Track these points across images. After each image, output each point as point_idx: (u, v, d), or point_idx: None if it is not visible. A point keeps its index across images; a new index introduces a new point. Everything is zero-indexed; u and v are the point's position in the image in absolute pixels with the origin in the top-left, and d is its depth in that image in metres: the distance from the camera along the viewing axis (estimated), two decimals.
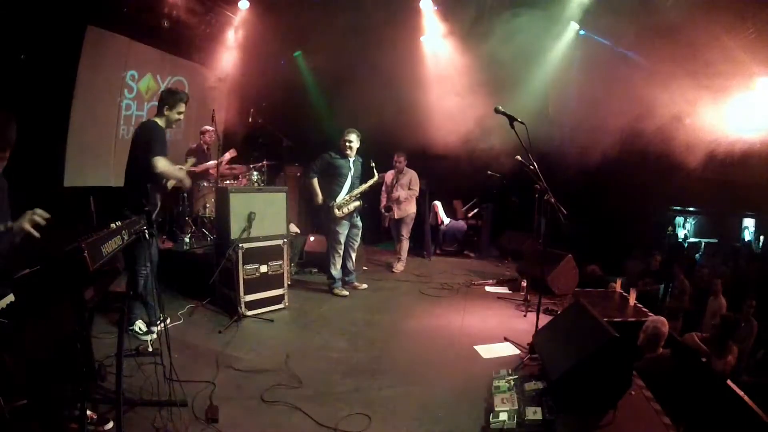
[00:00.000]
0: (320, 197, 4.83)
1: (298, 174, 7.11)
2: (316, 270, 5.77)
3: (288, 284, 4.41)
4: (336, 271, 4.93)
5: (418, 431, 2.46)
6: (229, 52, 7.50)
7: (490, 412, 2.51)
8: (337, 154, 4.84)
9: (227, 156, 5.75)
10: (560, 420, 2.35)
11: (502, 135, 3.03)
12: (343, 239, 4.89)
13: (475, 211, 8.13)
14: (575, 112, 7.24)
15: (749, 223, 10.84)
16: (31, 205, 2.19)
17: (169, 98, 3.42)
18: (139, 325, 3.44)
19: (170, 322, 3.61)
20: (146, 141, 3.26)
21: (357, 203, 4.89)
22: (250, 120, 6.92)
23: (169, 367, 2.38)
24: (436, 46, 7.61)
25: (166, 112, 3.42)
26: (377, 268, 6.28)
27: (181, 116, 3.49)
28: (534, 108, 6.83)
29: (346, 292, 4.90)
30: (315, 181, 4.82)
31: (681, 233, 11.54)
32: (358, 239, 5.14)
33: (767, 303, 5.12)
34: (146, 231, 2.15)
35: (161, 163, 3.22)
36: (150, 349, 3.05)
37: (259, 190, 4.58)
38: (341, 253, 4.94)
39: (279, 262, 4.25)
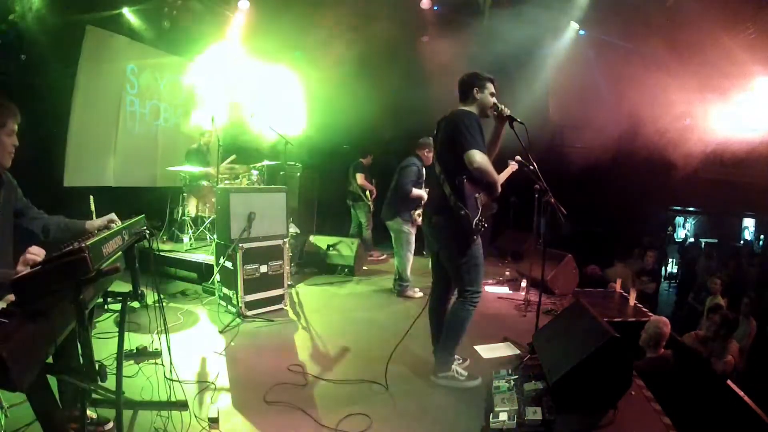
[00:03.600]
0: (424, 196, 4.65)
1: (299, 174, 7.11)
2: (316, 270, 5.77)
3: (288, 284, 4.41)
4: (409, 273, 4.95)
5: (418, 431, 2.46)
6: (229, 52, 7.49)
7: (490, 412, 2.50)
8: (420, 162, 4.77)
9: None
10: (560, 420, 2.35)
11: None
12: (413, 242, 4.92)
13: None
14: (575, 112, 7.25)
15: (749, 223, 10.85)
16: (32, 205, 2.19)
17: (474, 80, 2.83)
18: (457, 368, 2.97)
19: (170, 322, 3.61)
20: (456, 131, 2.69)
21: None
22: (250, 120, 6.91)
23: (169, 367, 2.38)
24: (436, 45, 7.61)
25: (477, 95, 2.83)
26: (378, 269, 6.28)
27: (494, 99, 2.86)
28: (534, 108, 6.84)
29: (421, 293, 4.89)
30: (415, 191, 4.67)
31: (681, 233, 11.55)
32: None
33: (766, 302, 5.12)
34: (147, 232, 2.14)
35: (478, 157, 2.64)
36: (150, 349, 3.05)
37: (259, 190, 4.58)
38: (412, 256, 4.96)
39: (279, 262, 4.24)
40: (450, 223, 2.74)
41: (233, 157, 5.94)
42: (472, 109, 2.83)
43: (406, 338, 3.70)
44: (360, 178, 6.68)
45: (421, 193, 4.70)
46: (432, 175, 3.01)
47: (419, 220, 4.75)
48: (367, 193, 6.78)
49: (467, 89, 2.85)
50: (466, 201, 2.69)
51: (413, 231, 4.88)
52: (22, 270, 1.58)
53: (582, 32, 7.09)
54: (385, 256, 6.85)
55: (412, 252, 4.95)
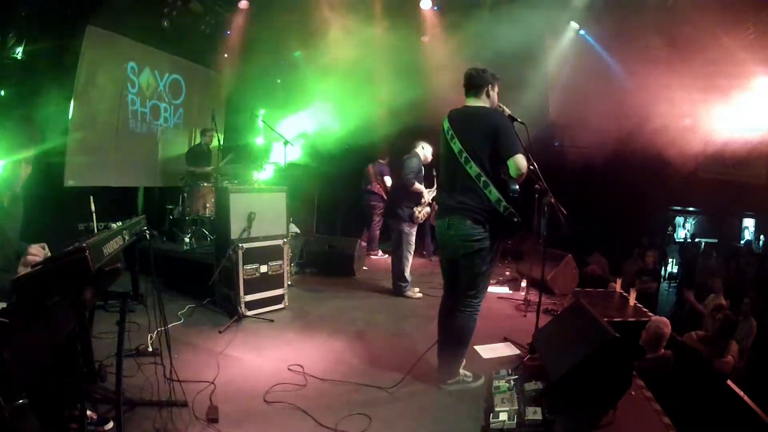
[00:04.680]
0: (425, 192, 4.72)
1: (299, 174, 7.13)
2: (316, 270, 5.77)
3: (288, 284, 4.41)
4: (408, 274, 4.92)
5: (418, 431, 2.46)
6: (229, 52, 7.50)
7: (490, 412, 2.51)
8: (419, 160, 4.81)
9: None
10: (560, 420, 2.35)
11: None
12: (413, 242, 4.89)
13: None
14: (575, 112, 7.24)
15: (749, 223, 10.84)
16: (32, 205, 2.19)
17: (489, 77, 2.78)
18: (464, 371, 2.93)
19: (170, 322, 3.60)
20: (500, 133, 2.60)
21: (429, 209, 4.90)
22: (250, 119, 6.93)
23: (169, 367, 2.38)
24: (436, 44, 7.61)
25: (491, 93, 2.79)
26: (378, 268, 6.28)
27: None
28: (534, 107, 6.83)
29: (420, 294, 4.88)
30: (417, 184, 4.70)
31: (681, 233, 11.53)
32: None
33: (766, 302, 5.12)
34: (148, 232, 2.14)
35: (525, 163, 2.58)
36: (150, 349, 3.05)
37: (259, 190, 4.59)
38: (411, 257, 4.93)
39: (279, 262, 4.24)
40: (492, 231, 2.66)
41: (230, 156, 5.91)
42: (487, 105, 2.79)
43: (404, 339, 3.72)
44: (389, 181, 6.74)
45: (421, 188, 4.69)
46: (453, 174, 2.76)
47: (420, 217, 4.75)
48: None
49: (482, 84, 2.77)
50: (518, 208, 2.64)
51: (413, 231, 4.87)
52: (23, 271, 1.59)
53: (582, 32, 7.09)
54: (387, 256, 6.87)
55: (412, 252, 4.94)
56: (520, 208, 2.66)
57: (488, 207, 2.63)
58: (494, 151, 2.61)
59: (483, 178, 2.63)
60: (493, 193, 2.62)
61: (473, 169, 2.65)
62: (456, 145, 2.73)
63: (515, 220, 2.62)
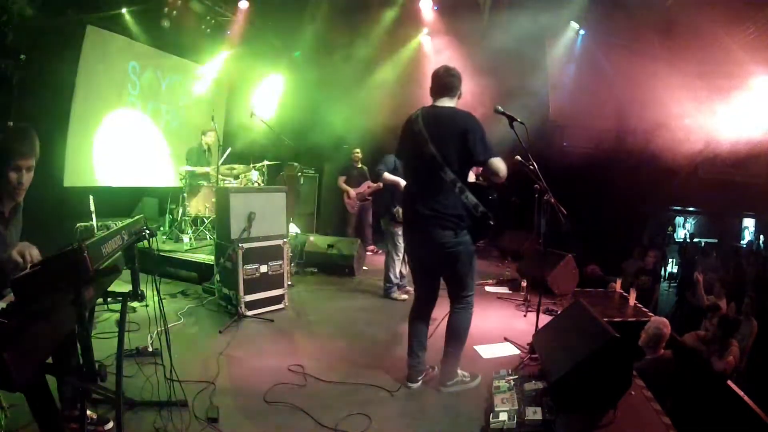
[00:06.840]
0: (401, 184, 4.36)
1: (299, 174, 7.14)
2: (316, 270, 5.77)
3: (288, 284, 4.41)
4: (394, 275, 4.83)
5: (418, 431, 2.46)
6: (229, 52, 7.50)
7: (490, 412, 2.51)
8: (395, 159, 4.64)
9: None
10: (560, 420, 2.35)
11: (501, 135, 3.01)
12: (402, 243, 4.70)
13: None
14: (575, 112, 7.24)
15: (749, 223, 10.84)
16: (32, 205, 2.19)
17: (460, 77, 2.73)
18: (462, 372, 2.94)
19: (170, 322, 3.60)
20: (468, 135, 2.54)
21: None
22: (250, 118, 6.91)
23: (169, 367, 2.38)
24: (436, 45, 7.62)
25: (460, 97, 2.77)
26: (378, 268, 6.27)
27: None
28: (534, 108, 6.84)
29: (405, 296, 4.79)
30: (387, 174, 4.42)
31: (681, 233, 11.54)
32: None
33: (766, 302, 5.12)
34: (147, 232, 2.13)
35: (504, 167, 2.55)
36: (150, 349, 3.05)
37: (259, 190, 4.58)
38: (401, 258, 4.80)
39: (279, 262, 4.24)
40: (471, 233, 2.66)
41: (228, 150, 5.91)
42: (456, 107, 2.72)
43: (404, 339, 3.70)
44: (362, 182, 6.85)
45: (395, 178, 4.37)
46: (427, 179, 2.66)
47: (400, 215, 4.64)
48: None
49: (458, 85, 2.72)
50: (495, 212, 2.66)
51: (400, 229, 4.62)
52: (17, 258, 1.59)
53: (582, 32, 7.09)
54: (381, 251, 6.95)
55: (401, 254, 4.75)
56: (497, 212, 2.67)
57: (461, 212, 2.61)
58: (465, 154, 2.56)
59: (459, 184, 2.60)
60: (470, 199, 2.60)
61: (448, 175, 2.59)
62: (429, 150, 2.61)
63: (490, 222, 2.63)
